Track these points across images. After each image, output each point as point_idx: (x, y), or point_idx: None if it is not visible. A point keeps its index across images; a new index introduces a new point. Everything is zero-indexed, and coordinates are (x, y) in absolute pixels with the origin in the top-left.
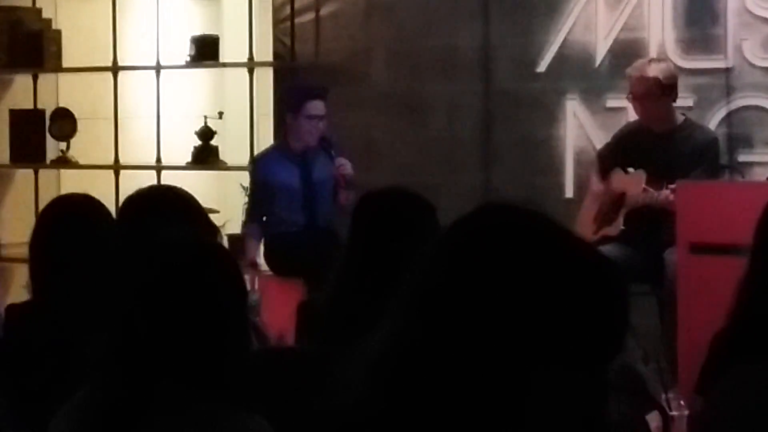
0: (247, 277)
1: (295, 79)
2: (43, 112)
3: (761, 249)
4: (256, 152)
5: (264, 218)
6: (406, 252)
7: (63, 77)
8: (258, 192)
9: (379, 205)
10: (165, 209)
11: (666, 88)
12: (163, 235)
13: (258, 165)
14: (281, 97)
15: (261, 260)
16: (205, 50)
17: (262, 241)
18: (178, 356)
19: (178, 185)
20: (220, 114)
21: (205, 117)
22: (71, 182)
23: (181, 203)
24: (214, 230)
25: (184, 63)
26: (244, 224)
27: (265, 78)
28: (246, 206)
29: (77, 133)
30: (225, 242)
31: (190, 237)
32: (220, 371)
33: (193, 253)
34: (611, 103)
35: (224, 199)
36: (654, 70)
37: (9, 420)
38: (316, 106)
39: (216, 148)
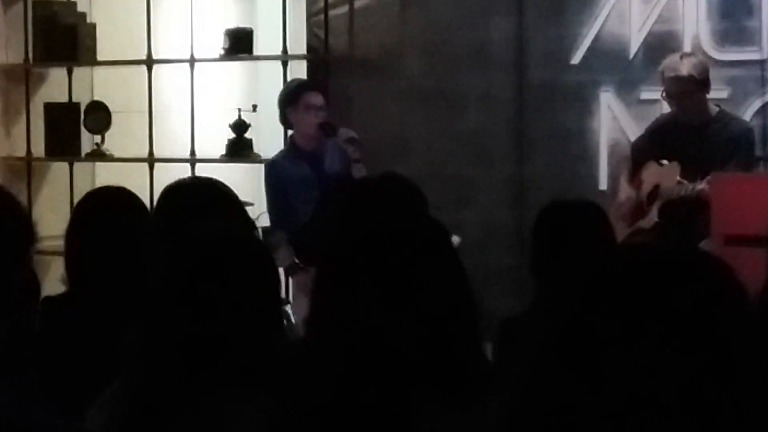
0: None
1: (323, 74)
2: (77, 105)
3: None
4: None
5: (285, 217)
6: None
7: (98, 71)
8: (275, 196)
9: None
10: (203, 201)
11: (700, 84)
12: (198, 227)
13: (270, 169)
14: (280, 96)
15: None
16: (239, 43)
17: (288, 239)
18: (213, 347)
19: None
20: (254, 107)
21: (239, 110)
22: (106, 175)
23: (220, 195)
24: (251, 223)
25: (218, 56)
26: (271, 232)
27: (299, 71)
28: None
29: (112, 127)
30: (260, 234)
31: (226, 229)
32: (254, 362)
33: (227, 245)
34: (645, 95)
35: (258, 191)
36: (687, 68)
37: (46, 411)
38: (314, 97)
39: (250, 141)
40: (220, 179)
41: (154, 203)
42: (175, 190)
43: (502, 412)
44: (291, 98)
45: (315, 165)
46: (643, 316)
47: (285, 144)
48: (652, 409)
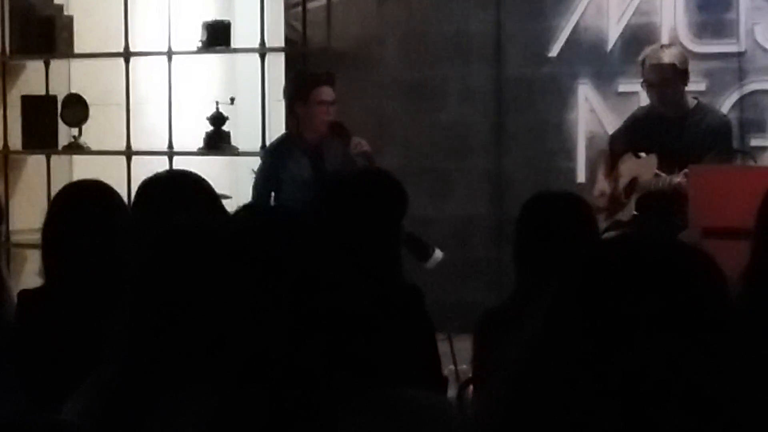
0: None
1: (301, 67)
2: (55, 98)
3: (764, 235)
4: (267, 138)
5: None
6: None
7: (75, 63)
8: (264, 184)
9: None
10: (180, 194)
11: (680, 73)
12: (172, 221)
13: (267, 158)
14: (288, 87)
15: None
16: (217, 36)
17: None
18: (190, 341)
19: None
20: (232, 100)
21: (217, 102)
22: (83, 168)
23: (196, 189)
24: (227, 216)
25: (195, 49)
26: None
27: (277, 63)
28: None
29: (89, 119)
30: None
31: (201, 222)
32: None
33: (203, 237)
34: (623, 87)
35: (236, 184)
36: (668, 56)
37: (23, 404)
38: (325, 92)
39: (228, 134)
40: (198, 172)
41: (132, 196)
42: (152, 183)
43: (492, 401)
44: (300, 93)
45: (316, 162)
46: (635, 305)
47: (287, 126)
48: (646, 394)
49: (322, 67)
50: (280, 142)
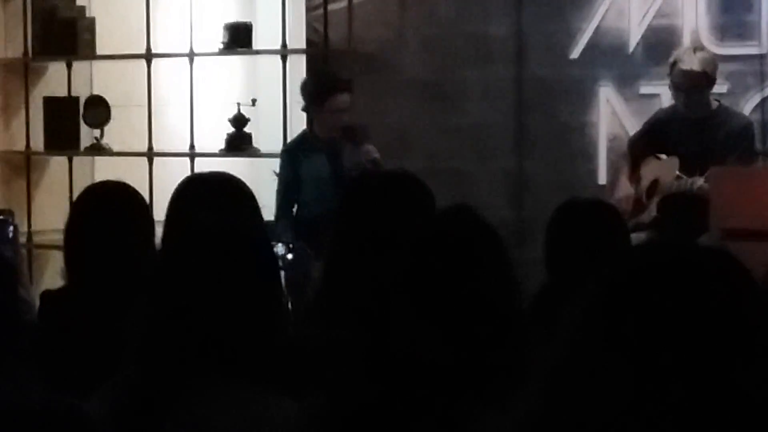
0: None
1: (321, 68)
2: (77, 99)
3: None
4: (289, 139)
5: (294, 209)
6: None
7: (97, 65)
8: (287, 185)
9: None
10: (217, 195)
11: (711, 80)
12: (205, 222)
13: (285, 157)
14: (306, 87)
15: None
16: (238, 37)
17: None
18: (211, 342)
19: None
20: (254, 101)
21: (239, 104)
22: (105, 169)
23: (235, 191)
24: (261, 220)
25: (217, 50)
26: (276, 221)
27: (298, 65)
28: (277, 200)
29: (111, 121)
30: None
31: (228, 225)
32: (254, 357)
33: (228, 241)
34: (644, 89)
35: (257, 185)
36: (701, 63)
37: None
38: (342, 100)
39: (249, 135)
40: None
41: (154, 197)
42: (192, 182)
43: (533, 404)
44: (317, 98)
45: (332, 158)
46: (673, 312)
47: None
48: (682, 402)
49: (344, 69)
50: (297, 141)
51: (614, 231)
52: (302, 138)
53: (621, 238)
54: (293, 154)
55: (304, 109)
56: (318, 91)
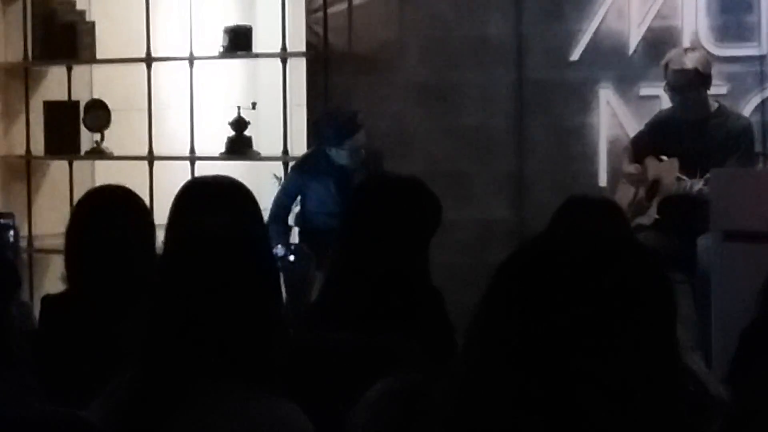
0: None
1: (333, 111)
2: (77, 103)
3: None
4: (289, 142)
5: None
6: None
7: (97, 69)
8: (290, 198)
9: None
10: (219, 199)
11: (703, 78)
12: (204, 225)
13: (294, 175)
14: (320, 128)
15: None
16: (238, 41)
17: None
18: (212, 345)
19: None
20: (254, 104)
21: (239, 107)
22: (105, 173)
23: (238, 194)
24: (263, 224)
25: (217, 54)
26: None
27: (298, 68)
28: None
29: (111, 125)
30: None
31: (229, 228)
32: (254, 360)
33: (229, 244)
34: (644, 91)
35: (258, 189)
36: (692, 61)
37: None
38: (358, 140)
39: (249, 139)
40: None
41: (154, 201)
42: (194, 186)
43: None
44: (334, 141)
45: (342, 181)
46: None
47: (308, 131)
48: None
49: (343, 72)
50: (308, 157)
51: (617, 229)
52: (315, 157)
53: (623, 232)
54: (304, 171)
55: (319, 143)
56: (332, 135)
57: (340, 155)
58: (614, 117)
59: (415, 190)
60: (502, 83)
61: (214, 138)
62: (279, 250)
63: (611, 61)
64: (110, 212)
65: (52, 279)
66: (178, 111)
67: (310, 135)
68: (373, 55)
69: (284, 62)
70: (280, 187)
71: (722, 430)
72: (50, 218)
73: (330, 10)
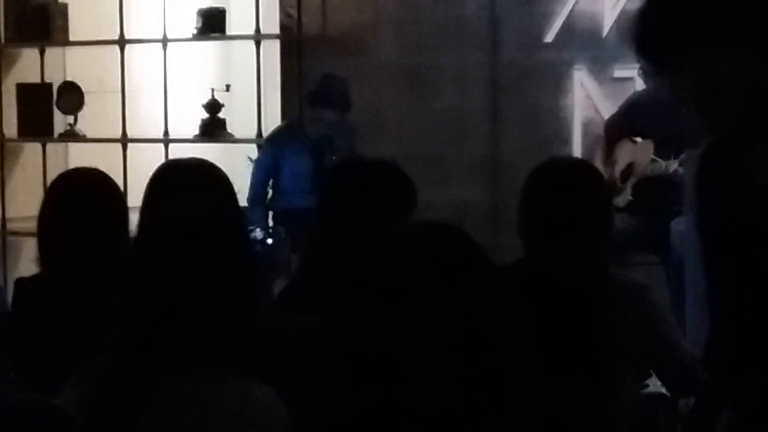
0: None
1: (335, 77)
2: (50, 85)
3: None
4: (263, 124)
5: (269, 195)
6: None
7: (70, 51)
8: (266, 173)
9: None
10: (194, 181)
11: None
12: (178, 207)
13: (269, 147)
14: (307, 90)
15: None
16: (212, 23)
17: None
18: (186, 329)
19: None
20: (227, 87)
21: (212, 90)
22: (79, 156)
23: (212, 177)
24: (238, 207)
25: (190, 36)
26: (250, 206)
27: (272, 50)
28: (251, 186)
29: (84, 107)
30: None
31: (204, 210)
32: (229, 344)
33: (204, 227)
34: (618, 73)
35: (232, 171)
36: None
37: (19, 392)
38: (341, 115)
39: (223, 121)
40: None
41: (128, 183)
42: (169, 168)
43: None
44: (324, 102)
45: (317, 154)
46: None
47: (282, 112)
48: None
49: (317, 54)
50: (283, 132)
51: (596, 192)
52: (288, 130)
53: (603, 199)
54: (277, 144)
55: (300, 103)
56: (328, 97)
57: (327, 118)
58: (588, 99)
59: (390, 172)
60: (476, 65)
61: (188, 120)
62: (258, 233)
63: (585, 43)
64: (83, 195)
65: (26, 262)
66: (151, 93)
67: (301, 101)
68: (347, 37)
69: (258, 44)
70: (254, 165)
71: (696, 407)
72: (23, 201)
73: None
